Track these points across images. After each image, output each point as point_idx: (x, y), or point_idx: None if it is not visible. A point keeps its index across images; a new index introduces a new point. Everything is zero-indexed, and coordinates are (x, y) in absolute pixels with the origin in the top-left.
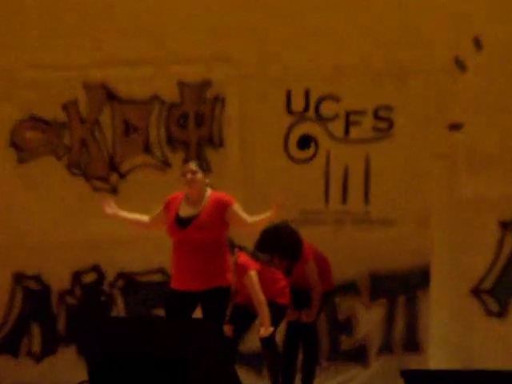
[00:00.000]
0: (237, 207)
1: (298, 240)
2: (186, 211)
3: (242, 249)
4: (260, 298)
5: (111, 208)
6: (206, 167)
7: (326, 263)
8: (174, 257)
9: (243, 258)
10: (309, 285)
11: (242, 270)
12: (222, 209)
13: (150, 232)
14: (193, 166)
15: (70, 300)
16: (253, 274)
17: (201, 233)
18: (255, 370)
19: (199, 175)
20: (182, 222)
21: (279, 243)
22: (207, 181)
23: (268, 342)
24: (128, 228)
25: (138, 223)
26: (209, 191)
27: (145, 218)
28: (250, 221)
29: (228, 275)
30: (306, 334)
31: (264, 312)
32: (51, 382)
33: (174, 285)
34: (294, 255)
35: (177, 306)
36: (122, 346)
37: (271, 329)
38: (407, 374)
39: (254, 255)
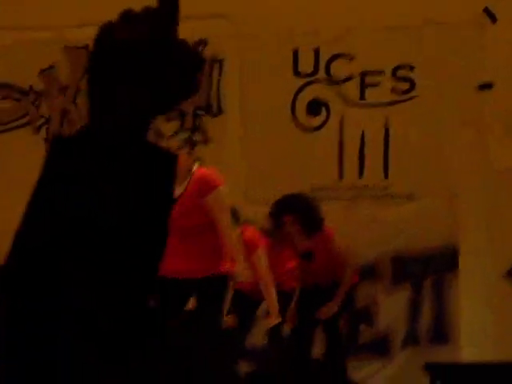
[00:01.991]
0: (219, 195)
1: (318, 209)
2: None
3: (248, 223)
4: (268, 278)
5: None
6: (200, 138)
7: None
8: None
9: (250, 233)
10: (336, 274)
11: (249, 247)
12: (204, 192)
13: None
14: (176, 141)
15: None
16: (262, 251)
17: (183, 218)
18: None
19: (184, 151)
20: None
21: (296, 203)
22: (192, 157)
23: (275, 333)
24: None
25: None
26: (195, 167)
27: None
28: (226, 223)
29: (222, 262)
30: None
31: (271, 296)
32: None
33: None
34: (312, 220)
35: (168, 295)
36: None
37: (279, 318)
38: (433, 368)
39: (262, 230)
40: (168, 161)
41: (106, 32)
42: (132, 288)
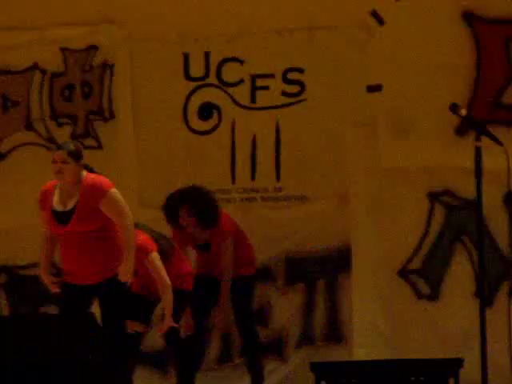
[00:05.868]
0: (113, 197)
1: (214, 202)
2: (60, 204)
3: (136, 226)
4: (166, 281)
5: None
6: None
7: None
8: (61, 250)
9: (142, 237)
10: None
11: (142, 250)
12: (96, 198)
13: (36, 220)
14: (62, 153)
15: None
16: (155, 254)
17: (84, 227)
18: (160, 369)
19: (70, 164)
20: (59, 218)
21: (191, 194)
22: (80, 168)
23: (173, 335)
24: (9, 216)
25: (51, 246)
26: (84, 175)
27: (44, 235)
28: (126, 224)
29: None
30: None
31: (169, 299)
32: None
33: (65, 279)
34: (207, 212)
35: (71, 300)
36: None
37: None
38: (318, 368)
39: (152, 235)
40: None
41: None
42: None
